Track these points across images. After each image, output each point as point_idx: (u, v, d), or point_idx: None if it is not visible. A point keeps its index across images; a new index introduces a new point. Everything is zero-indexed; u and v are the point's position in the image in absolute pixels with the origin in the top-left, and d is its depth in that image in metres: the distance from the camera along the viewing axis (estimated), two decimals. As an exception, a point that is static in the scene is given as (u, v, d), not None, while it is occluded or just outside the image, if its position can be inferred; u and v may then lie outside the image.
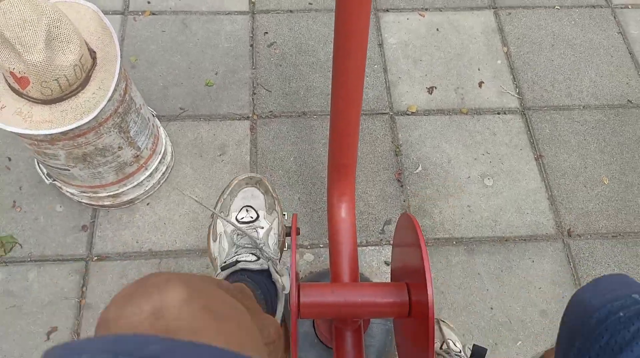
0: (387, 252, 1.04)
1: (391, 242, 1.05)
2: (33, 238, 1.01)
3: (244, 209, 0.76)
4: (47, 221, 1.03)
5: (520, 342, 0.98)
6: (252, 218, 0.75)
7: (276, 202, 0.82)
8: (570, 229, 1.09)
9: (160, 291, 0.30)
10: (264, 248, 0.72)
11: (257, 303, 0.57)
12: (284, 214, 0.84)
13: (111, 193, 0.97)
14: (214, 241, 0.75)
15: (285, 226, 0.83)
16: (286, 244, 0.83)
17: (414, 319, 0.64)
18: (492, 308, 1.00)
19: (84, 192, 0.97)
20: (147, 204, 1.06)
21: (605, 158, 1.19)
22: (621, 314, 0.33)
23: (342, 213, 0.84)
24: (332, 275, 0.79)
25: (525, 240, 1.08)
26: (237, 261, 0.69)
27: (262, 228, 0.75)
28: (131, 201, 1.03)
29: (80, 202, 1.02)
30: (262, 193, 0.78)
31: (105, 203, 1.00)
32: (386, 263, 1.03)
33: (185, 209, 1.06)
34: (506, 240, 1.08)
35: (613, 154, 1.19)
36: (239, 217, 0.75)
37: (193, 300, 0.29)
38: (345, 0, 0.56)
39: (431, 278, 0.57)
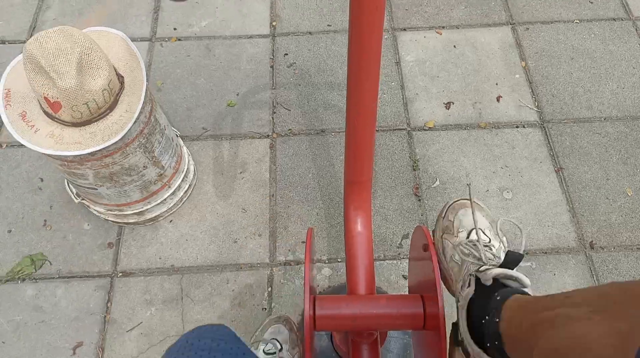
0: (404, 266, 1.05)
1: (408, 256, 1.05)
2: (62, 256, 1.06)
3: (271, 341, 0.91)
4: (76, 239, 1.08)
5: None
6: (277, 348, 0.90)
7: (299, 339, 0.95)
8: (592, 241, 1.08)
9: None
10: None
11: None
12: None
13: (136, 211, 1.02)
14: None
15: None
16: None
17: (429, 331, 0.64)
18: (513, 323, 0.99)
19: (111, 210, 1.01)
20: (170, 221, 1.10)
21: (628, 170, 1.17)
22: None
23: (359, 227, 0.85)
24: (348, 288, 0.80)
25: (546, 252, 1.06)
26: None
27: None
28: (155, 219, 1.07)
29: (106, 220, 1.07)
30: (287, 329, 0.92)
31: (130, 221, 1.05)
32: (404, 276, 1.04)
33: (206, 226, 1.09)
34: (527, 253, 1.06)
35: (637, 166, 1.17)
36: (265, 349, 0.89)
37: None
38: (359, 22, 0.58)
39: (441, 289, 0.58)
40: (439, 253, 0.72)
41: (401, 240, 1.08)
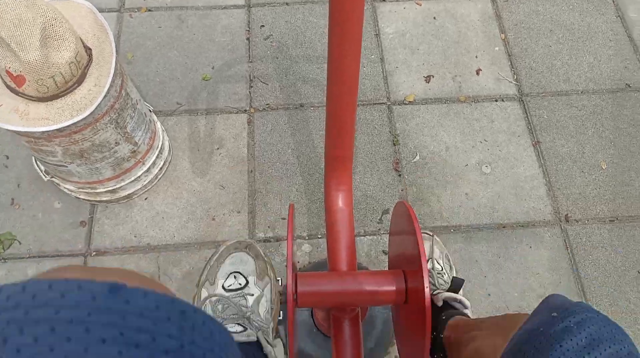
0: (385, 241, 1.05)
1: (389, 231, 1.05)
2: (32, 235, 1.02)
3: (232, 275, 0.73)
4: (46, 217, 1.04)
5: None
6: (240, 284, 0.72)
7: (268, 267, 0.79)
8: (567, 214, 1.10)
9: (60, 273, 0.26)
10: (252, 316, 0.69)
11: None
12: (278, 280, 0.79)
13: (109, 189, 0.98)
14: None
15: (280, 293, 0.78)
16: (280, 313, 0.79)
17: (411, 306, 0.65)
18: (489, 295, 1.01)
19: (82, 188, 0.98)
20: (145, 199, 1.07)
21: (603, 143, 1.19)
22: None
23: (340, 203, 0.84)
24: (329, 264, 0.80)
25: (522, 226, 1.08)
26: None
27: (252, 295, 0.72)
28: (129, 196, 1.04)
29: (78, 198, 1.03)
30: (252, 257, 0.76)
31: (103, 199, 1.01)
32: (384, 252, 1.04)
33: (183, 203, 1.07)
34: (504, 227, 1.08)
35: (611, 139, 1.19)
36: (225, 285, 0.72)
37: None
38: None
39: (427, 264, 0.58)
40: None
41: (381, 215, 1.08)
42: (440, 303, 0.73)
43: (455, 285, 0.76)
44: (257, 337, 0.68)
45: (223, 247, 0.76)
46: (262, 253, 0.79)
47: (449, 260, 0.91)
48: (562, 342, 0.38)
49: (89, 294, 0.21)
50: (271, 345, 0.70)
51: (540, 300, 0.47)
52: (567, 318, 0.40)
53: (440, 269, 0.86)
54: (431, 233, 0.96)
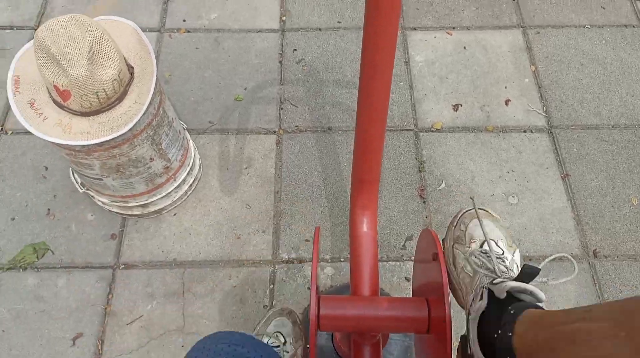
0: (407, 268, 1.04)
1: (412, 258, 1.05)
2: (64, 245, 1.06)
3: (275, 334, 0.92)
4: (79, 229, 1.07)
5: (543, 365, 0.96)
6: (280, 342, 0.91)
7: (301, 332, 0.95)
8: (596, 250, 1.07)
9: None
10: None
11: None
12: (307, 347, 0.96)
13: (141, 203, 1.01)
14: None
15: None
16: None
17: (434, 335, 0.64)
18: (514, 329, 0.99)
19: (115, 201, 1.01)
20: (174, 214, 1.09)
21: (634, 178, 1.16)
22: None
23: (364, 227, 0.85)
24: (352, 288, 0.80)
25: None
26: None
27: (288, 352, 0.90)
28: (159, 212, 1.07)
29: (111, 211, 1.06)
30: (290, 322, 0.92)
31: (135, 213, 1.04)
32: (407, 279, 1.03)
33: (210, 220, 1.09)
34: (530, 259, 1.06)
35: (643, 175, 1.17)
36: (270, 341, 0.91)
37: None
38: (374, 19, 0.58)
39: (449, 293, 0.58)
40: (449, 264, 0.70)
41: (405, 242, 1.08)
42: (503, 295, 0.55)
43: (527, 273, 0.56)
44: None
45: (271, 312, 0.95)
46: (298, 321, 0.96)
47: (513, 242, 0.71)
48: None
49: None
50: None
51: None
52: None
53: (501, 253, 0.67)
54: (488, 210, 0.77)
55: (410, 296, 0.83)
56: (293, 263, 1.05)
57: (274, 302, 1.01)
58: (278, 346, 0.90)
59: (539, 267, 0.55)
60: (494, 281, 0.58)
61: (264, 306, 1.00)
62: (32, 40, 0.76)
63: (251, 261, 1.05)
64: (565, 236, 1.09)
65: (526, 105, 1.27)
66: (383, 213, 1.11)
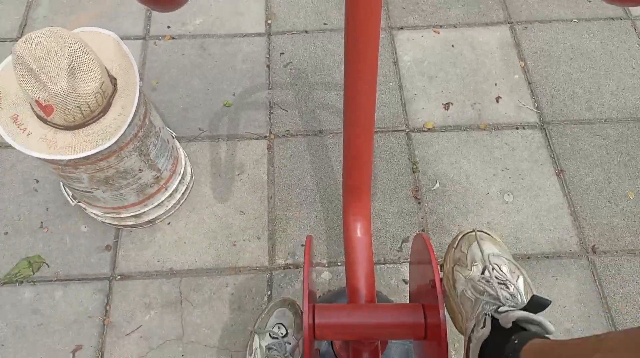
0: (405, 270, 1.03)
1: (409, 260, 1.04)
2: (59, 258, 1.04)
3: (277, 325, 0.91)
4: (73, 241, 1.06)
5: (544, 363, 0.95)
6: (282, 333, 0.90)
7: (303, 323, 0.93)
8: (594, 246, 1.07)
9: None
10: (290, 355, 0.86)
11: None
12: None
13: (133, 214, 1.00)
14: (250, 355, 0.89)
15: None
16: None
17: (430, 341, 0.63)
18: (514, 328, 0.98)
19: (107, 213, 0.99)
20: (168, 223, 1.08)
21: (629, 172, 1.16)
22: None
23: (358, 233, 0.84)
24: (348, 295, 0.79)
25: (548, 257, 1.06)
26: None
27: (290, 343, 0.89)
28: (152, 221, 1.05)
29: (104, 222, 1.05)
30: (292, 313, 0.92)
31: (128, 223, 1.03)
32: (404, 281, 1.02)
33: (204, 228, 1.08)
34: (528, 258, 1.06)
35: (638, 168, 1.16)
36: (272, 333, 0.90)
37: None
38: (355, 20, 0.56)
39: (443, 299, 0.57)
40: (449, 286, 0.66)
41: (401, 244, 1.07)
42: (508, 325, 0.52)
43: (536, 305, 0.52)
44: None
45: (272, 303, 0.94)
46: (300, 311, 0.92)
47: (517, 267, 0.67)
48: None
49: None
50: None
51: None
52: None
53: (504, 278, 0.63)
54: (490, 233, 0.74)
55: (408, 298, 0.83)
56: (290, 268, 1.04)
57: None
58: (280, 338, 0.90)
59: (549, 299, 0.52)
60: (499, 310, 0.55)
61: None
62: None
63: (248, 268, 1.04)
64: (562, 233, 1.08)
65: (517, 101, 1.26)
66: (378, 216, 1.10)
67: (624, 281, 1.03)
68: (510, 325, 0.52)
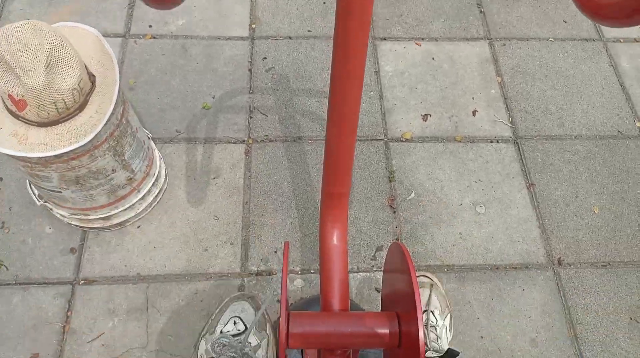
0: (378, 279, 1.04)
1: (382, 268, 1.05)
2: (20, 261, 1.00)
3: (232, 320, 0.72)
4: (35, 243, 1.02)
5: (511, 373, 0.97)
6: (239, 330, 0.69)
7: (268, 325, 0.77)
8: (560, 258, 1.10)
9: None
10: (249, 353, 0.67)
11: None
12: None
13: (102, 216, 0.97)
14: None
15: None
16: None
17: (404, 350, 0.64)
18: (482, 337, 1.00)
19: (75, 214, 0.97)
20: (138, 227, 1.06)
21: (595, 188, 1.20)
22: None
23: (334, 240, 0.84)
24: (322, 302, 0.79)
25: (516, 268, 1.08)
26: None
27: (250, 343, 0.70)
28: (122, 224, 1.03)
29: (70, 224, 1.02)
30: (253, 308, 0.75)
31: (96, 226, 1.00)
32: (377, 290, 1.03)
33: (176, 233, 1.06)
34: (497, 268, 1.08)
35: (603, 184, 1.20)
36: (224, 330, 0.70)
37: None
38: (345, 29, 0.57)
39: (421, 312, 0.57)
40: None
41: (375, 252, 1.07)
42: None
43: (450, 355, 0.70)
44: None
45: (227, 299, 0.76)
46: (264, 308, 0.78)
47: (449, 311, 0.82)
48: None
49: None
50: None
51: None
52: None
53: (435, 322, 0.77)
54: (432, 280, 0.88)
55: (380, 307, 0.83)
56: (262, 275, 1.03)
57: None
58: (236, 335, 0.71)
59: (459, 351, 0.68)
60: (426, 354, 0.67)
61: (232, 321, 0.98)
62: (-15, 46, 0.72)
63: (219, 274, 1.02)
64: (530, 245, 1.11)
65: (492, 116, 1.29)
66: (353, 224, 1.11)
67: (586, 293, 1.06)
68: None
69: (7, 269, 0.99)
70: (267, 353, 0.75)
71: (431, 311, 0.81)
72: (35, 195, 0.97)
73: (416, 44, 1.40)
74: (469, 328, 1.00)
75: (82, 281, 0.99)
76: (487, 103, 1.31)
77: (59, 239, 1.03)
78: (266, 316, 0.81)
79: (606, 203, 1.18)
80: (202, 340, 0.75)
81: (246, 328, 0.73)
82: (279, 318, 0.68)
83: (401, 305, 0.65)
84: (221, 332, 0.73)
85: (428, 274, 0.90)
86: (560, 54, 1.41)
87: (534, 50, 1.42)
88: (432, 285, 0.87)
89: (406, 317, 0.63)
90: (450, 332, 0.82)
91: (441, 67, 1.36)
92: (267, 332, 0.78)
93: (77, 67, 0.75)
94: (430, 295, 0.83)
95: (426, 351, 0.71)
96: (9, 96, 0.73)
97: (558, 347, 1.00)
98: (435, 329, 0.76)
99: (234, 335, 0.71)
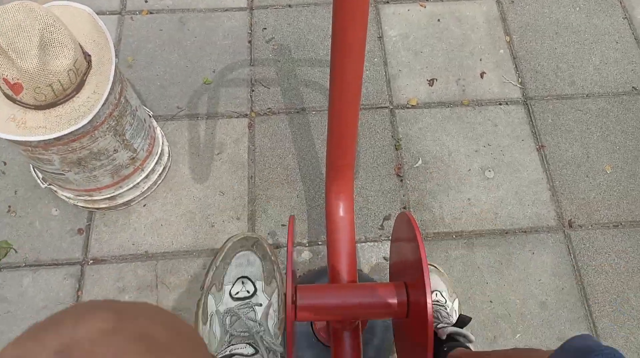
0: (386, 248, 1.04)
1: (390, 238, 1.04)
2: (28, 243, 1.02)
3: (240, 281, 0.68)
4: (43, 225, 1.03)
5: (519, 335, 0.97)
6: (248, 292, 0.67)
7: (275, 268, 0.72)
8: (571, 220, 1.08)
9: (77, 322, 0.24)
10: (263, 336, 0.64)
11: None
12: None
13: (107, 196, 0.97)
14: (204, 323, 0.67)
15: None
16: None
17: (413, 320, 0.64)
18: (491, 302, 1.00)
19: (80, 195, 0.97)
20: (144, 205, 1.06)
21: (608, 146, 1.17)
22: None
23: (340, 211, 0.83)
24: (330, 274, 0.79)
25: (525, 232, 1.07)
26: (232, 356, 0.62)
27: (260, 305, 0.68)
28: (127, 203, 1.03)
29: (76, 205, 1.02)
30: (259, 258, 0.71)
31: (102, 206, 1.01)
32: (385, 259, 1.03)
33: (182, 210, 1.06)
34: (506, 233, 1.07)
35: (616, 143, 1.17)
36: (233, 292, 0.67)
37: (121, 330, 0.24)
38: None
39: (429, 282, 0.57)
40: None
41: (382, 221, 1.07)
42: (444, 337, 0.73)
43: (462, 322, 0.76)
44: None
45: (229, 244, 0.71)
46: (269, 252, 0.73)
47: (456, 297, 0.91)
48: None
49: None
50: None
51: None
52: None
53: (444, 302, 0.85)
54: (436, 266, 0.96)
55: (388, 275, 0.83)
56: (271, 248, 1.03)
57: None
58: (245, 298, 0.66)
59: (470, 317, 0.76)
60: (438, 326, 0.76)
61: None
62: (-25, 30, 0.71)
63: (228, 249, 1.03)
64: (541, 208, 1.09)
65: (501, 77, 1.25)
66: (360, 193, 1.10)
67: (597, 254, 1.05)
68: (444, 337, 0.73)
69: (16, 252, 1.01)
70: (277, 306, 0.70)
71: (439, 291, 0.87)
72: (39, 178, 0.97)
73: (420, 5, 1.35)
74: (478, 294, 1.00)
75: (91, 261, 1.01)
76: (495, 64, 1.27)
77: (66, 220, 1.04)
78: (273, 258, 0.72)
79: (619, 161, 1.15)
80: (209, 296, 0.68)
81: (255, 289, 0.67)
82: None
83: (409, 274, 0.65)
84: (230, 294, 0.67)
85: (435, 264, 0.96)
86: (572, 9, 1.36)
87: (544, 6, 1.36)
88: (439, 273, 0.93)
89: (414, 286, 0.62)
90: (457, 307, 0.89)
91: (447, 29, 1.31)
92: (277, 279, 0.71)
93: (71, 47, 0.74)
94: (437, 280, 0.90)
95: (437, 325, 0.76)
96: (4, 80, 0.72)
97: (568, 308, 1.00)
98: (446, 308, 0.82)
99: (242, 298, 0.67)
